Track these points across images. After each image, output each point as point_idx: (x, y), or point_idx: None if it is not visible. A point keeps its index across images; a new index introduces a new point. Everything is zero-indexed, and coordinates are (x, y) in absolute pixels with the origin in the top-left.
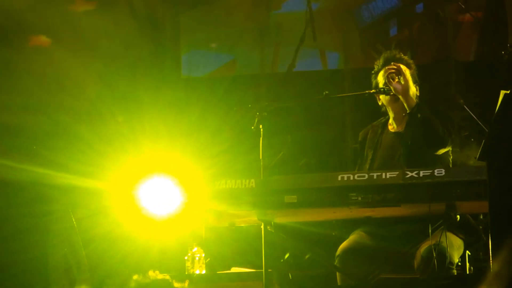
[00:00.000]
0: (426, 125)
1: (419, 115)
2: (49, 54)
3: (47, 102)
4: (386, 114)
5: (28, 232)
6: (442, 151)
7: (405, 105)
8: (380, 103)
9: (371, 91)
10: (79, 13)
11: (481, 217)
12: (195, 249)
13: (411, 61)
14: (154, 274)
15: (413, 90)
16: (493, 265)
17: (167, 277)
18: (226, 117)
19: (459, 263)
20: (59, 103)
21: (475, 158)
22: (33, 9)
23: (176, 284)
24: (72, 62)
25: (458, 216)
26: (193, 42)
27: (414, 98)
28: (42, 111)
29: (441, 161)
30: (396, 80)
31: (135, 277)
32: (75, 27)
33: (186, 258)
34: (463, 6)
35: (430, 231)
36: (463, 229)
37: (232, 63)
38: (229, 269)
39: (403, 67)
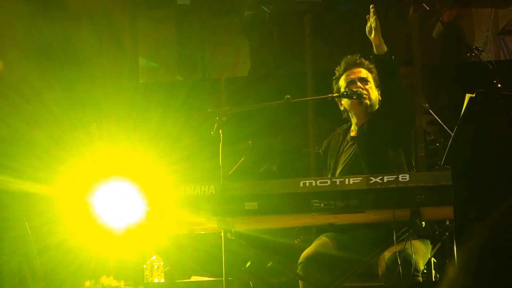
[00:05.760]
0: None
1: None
2: (5, 59)
3: (2, 107)
4: (348, 120)
5: None
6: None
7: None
8: (342, 108)
9: (334, 95)
10: (37, 21)
11: (447, 223)
12: (153, 257)
13: (372, 66)
14: (107, 280)
15: (376, 94)
16: (450, 270)
17: (122, 284)
18: (186, 122)
19: (425, 270)
20: (15, 108)
21: (440, 162)
22: None
23: None
24: (29, 67)
25: (423, 223)
26: (152, 46)
27: (376, 103)
28: None
29: (404, 156)
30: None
31: (87, 283)
32: (31, 32)
33: (144, 266)
34: (428, 8)
35: (394, 237)
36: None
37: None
38: (189, 278)
39: (365, 72)
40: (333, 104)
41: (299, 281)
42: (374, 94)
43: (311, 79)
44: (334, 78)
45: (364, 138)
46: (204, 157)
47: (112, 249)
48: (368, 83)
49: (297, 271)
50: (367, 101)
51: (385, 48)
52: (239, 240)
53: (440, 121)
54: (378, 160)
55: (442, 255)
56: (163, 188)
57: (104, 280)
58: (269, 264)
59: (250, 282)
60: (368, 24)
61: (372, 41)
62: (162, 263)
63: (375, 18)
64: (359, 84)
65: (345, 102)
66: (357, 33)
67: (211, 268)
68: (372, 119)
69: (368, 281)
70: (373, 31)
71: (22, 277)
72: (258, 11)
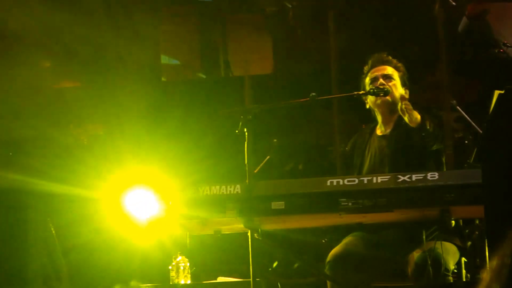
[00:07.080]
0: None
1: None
2: (26, 59)
3: (24, 107)
4: (374, 119)
5: (4, 241)
6: (434, 147)
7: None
8: (367, 107)
9: (360, 93)
10: (56, 19)
11: (477, 222)
12: (179, 258)
13: (400, 64)
14: (136, 284)
15: (401, 92)
16: (484, 273)
17: (150, 287)
18: (210, 121)
19: (455, 270)
20: (36, 108)
21: (469, 161)
22: (8, 12)
23: None
24: (50, 66)
25: (453, 221)
26: (174, 44)
27: (399, 101)
28: (18, 116)
29: (433, 161)
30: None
31: (116, 287)
32: (52, 32)
33: (170, 267)
34: (454, 3)
35: (424, 237)
36: (458, 235)
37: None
38: (215, 279)
39: (390, 69)
40: (359, 101)
41: (327, 281)
42: (397, 92)
43: (336, 75)
44: (362, 76)
45: (393, 137)
46: (228, 156)
47: (137, 250)
48: (393, 80)
49: (325, 270)
50: (388, 98)
51: (418, 119)
52: (266, 240)
53: (468, 118)
54: (407, 158)
55: (472, 255)
56: (188, 187)
57: (134, 284)
58: (296, 264)
59: (278, 283)
60: (399, 106)
61: None
62: (188, 264)
63: (409, 107)
64: (381, 80)
65: (369, 100)
66: (383, 29)
67: (238, 269)
68: (399, 128)
69: (397, 281)
70: (405, 114)
71: (46, 277)
72: (281, 7)
